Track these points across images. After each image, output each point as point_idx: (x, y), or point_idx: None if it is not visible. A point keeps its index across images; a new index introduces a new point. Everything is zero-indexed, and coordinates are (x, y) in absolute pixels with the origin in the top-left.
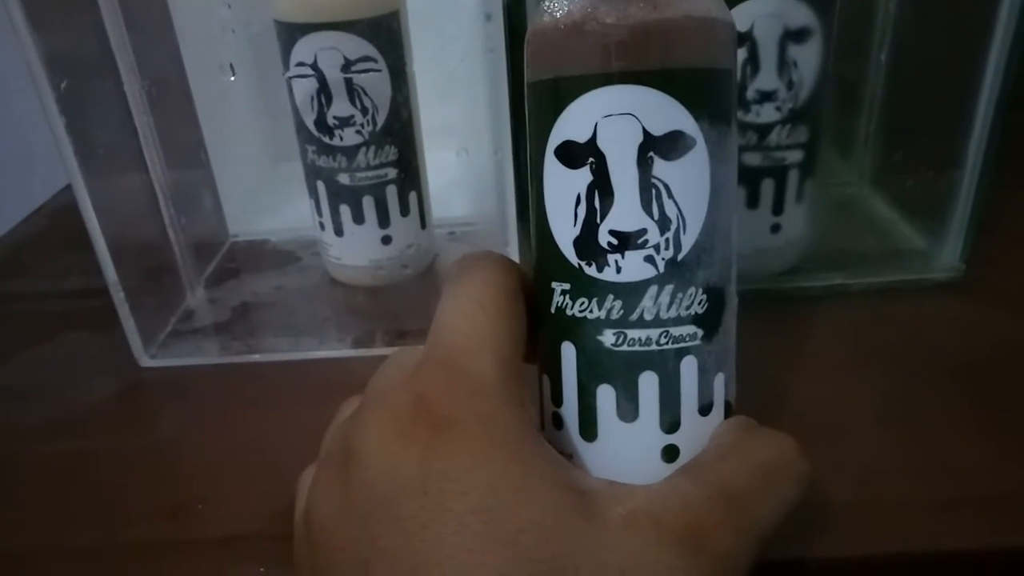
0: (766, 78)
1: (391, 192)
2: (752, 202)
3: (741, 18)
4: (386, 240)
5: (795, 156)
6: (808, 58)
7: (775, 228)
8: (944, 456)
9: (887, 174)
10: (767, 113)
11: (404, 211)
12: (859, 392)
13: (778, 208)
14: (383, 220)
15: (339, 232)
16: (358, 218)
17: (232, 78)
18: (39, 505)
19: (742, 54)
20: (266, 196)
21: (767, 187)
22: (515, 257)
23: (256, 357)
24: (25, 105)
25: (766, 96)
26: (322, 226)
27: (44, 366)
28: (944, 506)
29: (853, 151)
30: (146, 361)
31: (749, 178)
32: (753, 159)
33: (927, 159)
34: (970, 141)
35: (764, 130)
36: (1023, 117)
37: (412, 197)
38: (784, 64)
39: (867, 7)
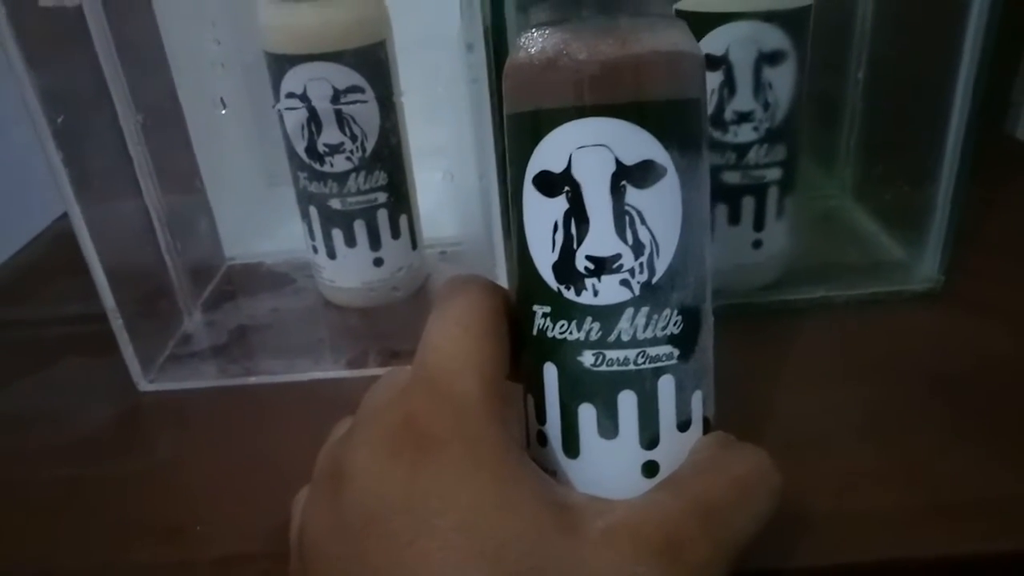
0: (743, 99)
1: (382, 215)
2: (733, 219)
3: (717, 42)
4: (378, 262)
5: (774, 174)
6: (783, 79)
7: (756, 244)
8: (922, 465)
9: (868, 187)
10: (745, 133)
11: (395, 234)
12: (840, 403)
13: (759, 224)
14: (374, 243)
15: (332, 255)
16: (350, 241)
17: (224, 111)
18: (40, 529)
19: (719, 77)
20: (261, 219)
21: (747, 204)
22: (503, 277)
23: (253, 379)
24: (22, 133)
25: (743, 117)
26: (315, 249)
27: (44, 391)
28: (922, 514)
29: (835, 165)
30: (145, 386)
31: (729, 196)
32: (733, 177)
33: (905, 173)
34: (944, 156)
35: (742, 149)
36: (998, 135)
37: (403, 220)
38: (760, 86)
39: (843, 27)
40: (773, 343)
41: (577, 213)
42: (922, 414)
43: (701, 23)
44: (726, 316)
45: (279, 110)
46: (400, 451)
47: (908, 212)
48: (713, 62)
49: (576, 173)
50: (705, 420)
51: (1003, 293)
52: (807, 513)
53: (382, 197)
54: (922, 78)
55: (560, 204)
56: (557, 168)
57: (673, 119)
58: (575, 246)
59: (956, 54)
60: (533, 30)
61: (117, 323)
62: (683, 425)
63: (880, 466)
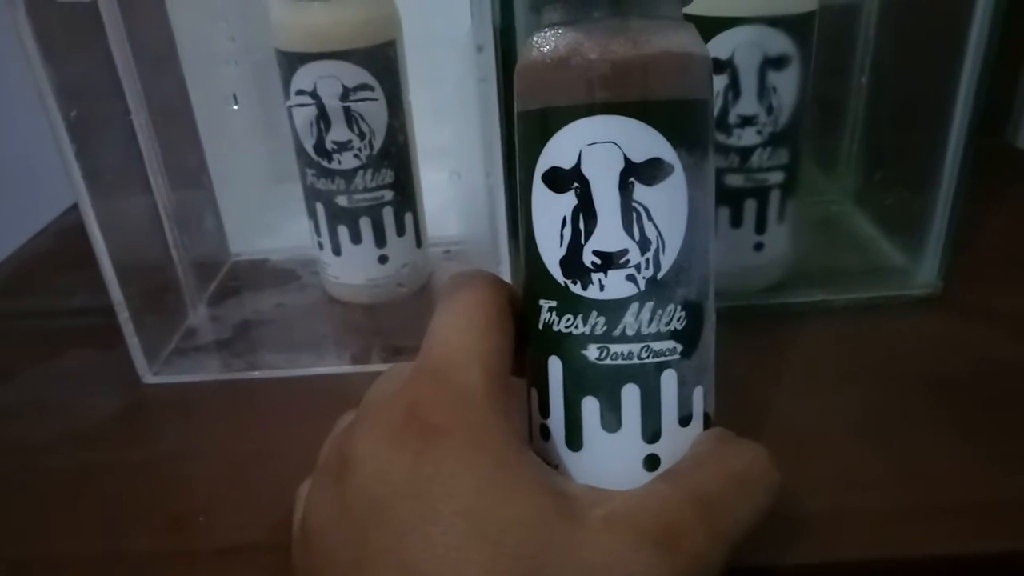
0: (747, 103)
1: (387, 213)
2: (736, 221)
3: (722, 46)
4: (383, 259)
5: (776, 177)
6: (787, 84)
7: (758, 246)
8: (920, 466)
9: (869, 192)
10: (748, 136)
11: (400, 231)
12: (839, 404)
13: (760, 227)
14: (380, 240)
15: (337, 252)
16: (355, 238)
17: (236, 107)
18: (46, 516)
19: (724, 80)
20: (266, 215)
21: (750, 207)
22: (507, 275)
23: (256, 374)
24: (29, 126)
25: (747, 120)
26: (321, 246)
27: (50, 382)
28: (919, 513)
29: (837, 170)
30: (149, 378)
31: (732, 198)
32: (736, 180)
33: (905, 179)
34: (944, 163)
35: (746, 153)
36: (997, 142)
37: (408, 218)
38: (764, 90)
39: (848, 34)
40: (773, 345)
41: (585, 209)
42: (920, 416)
43: (707, 27)
44: (727, 317)
45: (289, 107)
46: (404, 439)
47: (908, 218)
48: (718, 66)
49: (585, 169)
50: (706, 416)
51: (1001, 299)
52: (806, 511)
53: (388, 195)
54: (924, 86)
55: (569, 200)
56: (567, 164)
57: (681, 119)
58: (583, 241)
59: (957, 63)
60: (546, 30)
61: (124, 316)
62: (684, 420)
63: (878, 466)
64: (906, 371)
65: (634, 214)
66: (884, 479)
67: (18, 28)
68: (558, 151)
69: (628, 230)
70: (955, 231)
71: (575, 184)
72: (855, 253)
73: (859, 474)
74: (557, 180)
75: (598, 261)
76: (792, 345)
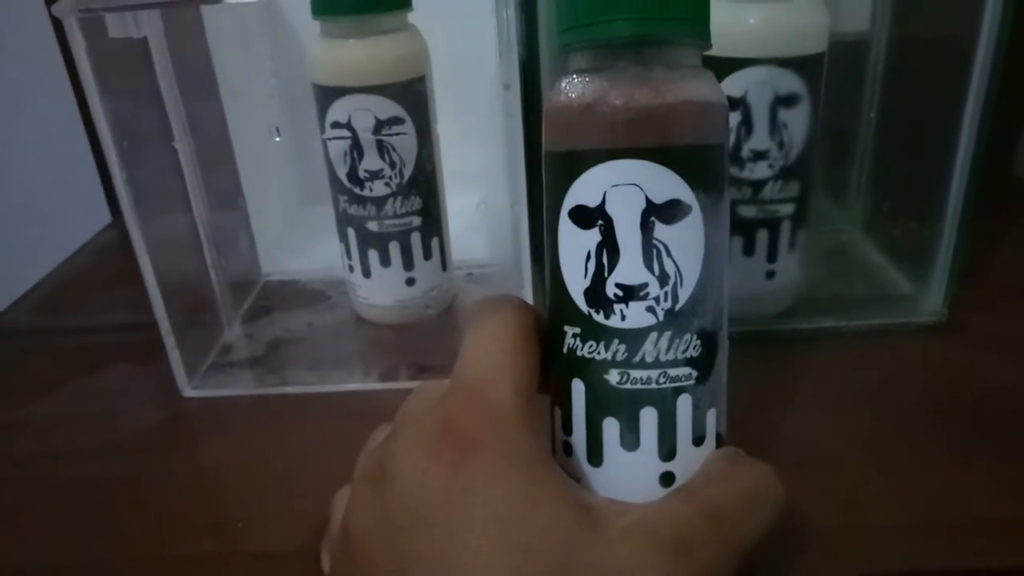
0: (759, 139)
1: (415, 238)
2: (748, 250)
3: (735, 85)
4: (410, 282)
5: (787, 209)
6: (797, 120)
7: (770, 274)
8: (925, 485)
9: (877, 222)
10: (760, 170)
11: (427, 255)
12: (847, 427)
13: (772, 256)
14: (407, 263)
15: (367, 274)
16: (385, 262)
17: (278, 139)
18: (90, 522)
19: (737, 117)
20: (295, 237)
21: (762, 237)
22: (529, 296)
23: (289, 389)
24: (66, 150)
25: (759, 155)
26: (351, 268)
27: (93, 395)
28: (922, 531)
29: (847, 199)
30: (188, 392)
31: (745, 228)
32: (748, 211)
33: (912, 209)
34: (950, 194)
35: (758, 185)
36: (1006, 176)
37: (434, 242)
38: (775, 126)
39: (857, 70)
40: (784, 369)
41: (609, 245)
42: (926, 438)
43: (722, 67)
44: (739, 342)
45: (325, 139)
46: (440, 452)
47: (915, 247)
48: (732, 103)
49: (610, 209)
50: (718, 436)
51: (1005, 326)
52: (812, 526)
53: (416, 221)
54: (930, 119)
55: (593, 236)
56: (592, 203)
57: (699, 163)
58: (606, 274)
59: (961, 98)
60: (573, 75)
61: (165, 329)
62: (698, 440)
63: (882, 484)
64: (912, 395)
65: (654, 251)
66: (888, 497)
67: (78, 62)
68: (584, 191)
69: (648, 265)
70: (961, 260)
71: (600, 222)
72: (864, 281)
73: (864, 492)
74: (583, 217)
75: (620, 293)
76: (802, 369)
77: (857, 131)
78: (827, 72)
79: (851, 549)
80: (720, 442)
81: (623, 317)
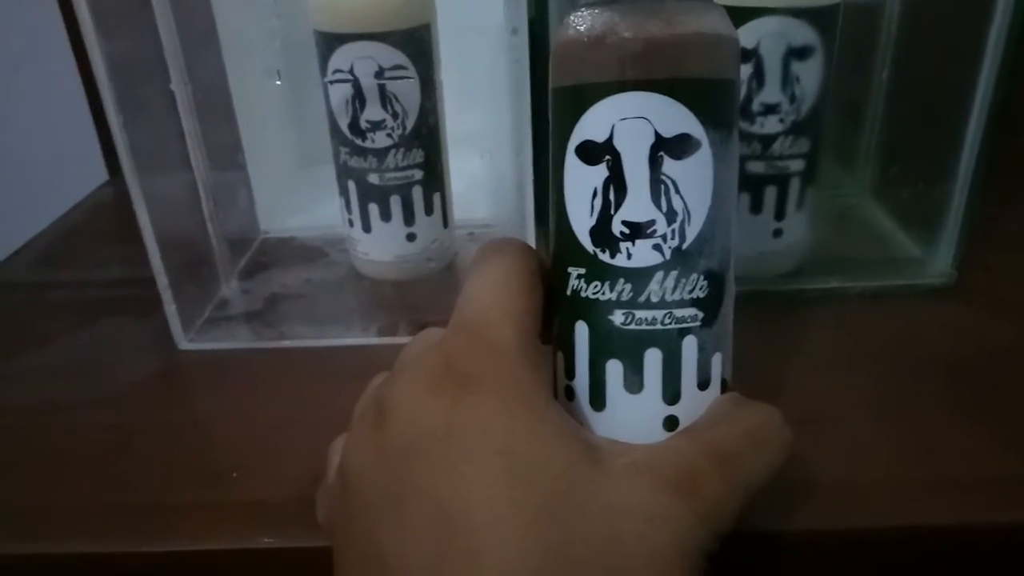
0: (770, 92)
1: (417, 192)
2: (756, 208)
3: (748, 36)
4: (411, 237)
5: (797, 165)
6: (810, 74)
7: (777, 233)
8: (929, 442)
9: (886, 186)
10: (771, 125)
11: (428, 210)
12: (852, 386)
13: (780, 214)
14: (408, 218)
15: (367, 229)
16: (385, 216)
17: (279, 83)
18: (85, 470)
19: (749, 69)
20: (295, 196)
21: (770, 194)
22: None
23: (286, 343)
24: (61, 108)
25: (770, 109)
26: (351, 223)
27: (90, 347)
28: (927, 486)
29: (855, 164)
30: (184, 344)
31: (753, 185)
32: (757, 167)
33: (922, 172)
34: (961, 156)
35: (768, 140)
36: (1013, 135)
37: (436, 197)
38: (787, 79)
39: (870, 29)
40: (789, 328)
41: (616, 181)
42: (931, 396)
43: (734, 17)
44: (745, 301)
45: (326, 85)
46: (441, 388)
47: (924, 210)
48: (744, 55)
49: (617, 143)
50: (723, 381)
51: (1014, 288)
52: (818, 480)
53: (418, 174)
54: (944, 81)
55: (600, 172)
56: (600, 138)
57: (710, 97)
58: (612, 212)
59: (977, 59)
60: (583, 9)
61: (162, 283)
62: (703, 384)
63: (888, 441)
64: (918, 355)
65: (662, 186)
66: (894, 453)
67: (75, 2)
68: (591, 125)
69: (656, 202)
70: (970, 222)
71: (607, 157)
72: (871, 244)
73: (870, 448)
74: (590, 153)
75: (627, 231)
76: (807, 329)
77: (867, 94)
78: (840, 30)
79: (854, 503)
80: (725, 388)
81: (629, 255)
